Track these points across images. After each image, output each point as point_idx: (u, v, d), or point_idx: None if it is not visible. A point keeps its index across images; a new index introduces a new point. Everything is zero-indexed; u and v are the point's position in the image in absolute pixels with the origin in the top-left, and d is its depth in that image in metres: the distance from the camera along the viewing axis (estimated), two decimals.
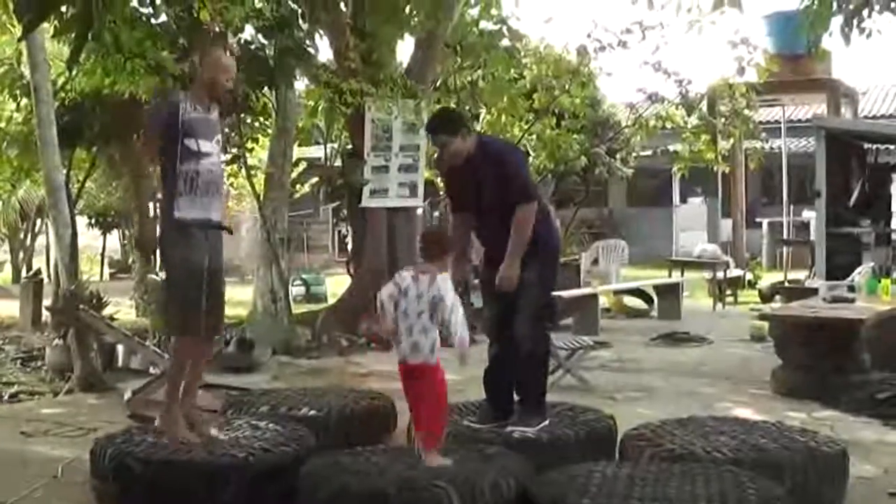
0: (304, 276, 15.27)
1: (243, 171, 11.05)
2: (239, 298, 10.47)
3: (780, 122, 19.66)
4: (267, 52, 9.32)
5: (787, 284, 13.15)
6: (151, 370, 7.35)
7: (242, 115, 10.43)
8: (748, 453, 4.25)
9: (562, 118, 14.40)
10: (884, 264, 11.30)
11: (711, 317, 12.33)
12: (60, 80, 9.78)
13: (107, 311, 9.32)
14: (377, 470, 4.01)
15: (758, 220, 21.15)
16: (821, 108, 19.47)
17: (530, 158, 13.82)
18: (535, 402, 4.95)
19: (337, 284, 14.17)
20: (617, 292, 12.51)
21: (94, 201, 18.67)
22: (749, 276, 15.65)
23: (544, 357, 5.18)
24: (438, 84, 11.77)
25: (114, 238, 22.60)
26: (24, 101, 10.04)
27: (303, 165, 14.89)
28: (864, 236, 12.35)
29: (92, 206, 19.05)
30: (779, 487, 3.83)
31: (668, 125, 14.69)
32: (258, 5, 9.08)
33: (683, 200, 22.47)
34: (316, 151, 14.82)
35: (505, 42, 11.63)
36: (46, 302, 10.38)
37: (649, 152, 19.03)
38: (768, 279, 15.28)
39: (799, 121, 21.77)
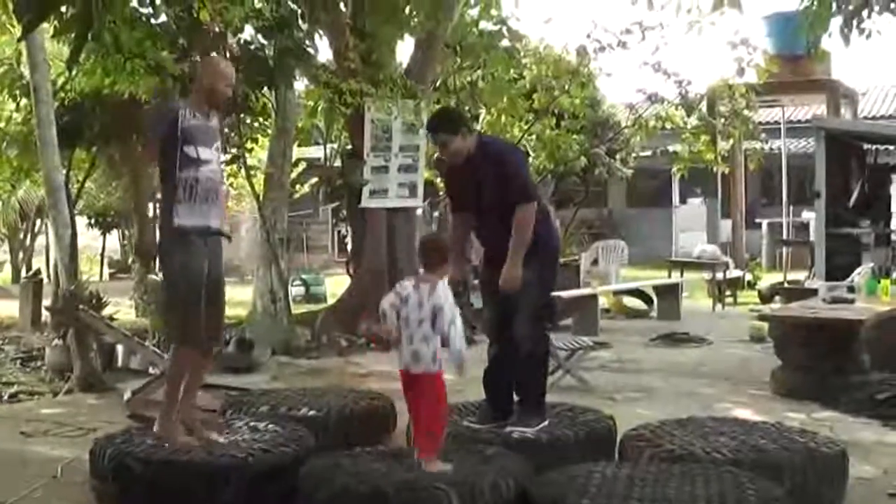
0: (303, 276, 15.26)
1: (243, 171, 11.05)
2: (238, 298, 10.47)
3: (779, 123, 19.65)
4: (266, 52, 9.32)
5: (786, 285, 13.14)
6: (151, 370, 7.35)
7: (242, 116, 10.43)
8: (748, 454, 4.25)
9: (561, 118, 14.41)
10: (883, 265, 11.31)
11: (711, 317, 12.33)
12: (60, 80, 9.78)
13: (106, 312, 9.31)
14: (377, 471, 4.01)
15: (757, 220, 21.15)
16: (820, 108, 19.47)
17: (530, 159, 13.83)
18: (535, 403, 4.95)
19: (336, 285, 14.17)
20: (616, 293, 12.51)
21: (93, 201, 18.66)
22: (748, 276, 15.65)
23: (544, 357, 5.18)
24: (438, 84, 11.78)
25: (113, 238, 22.60)
26: (24, 101, 10.03)
27: (302, 166, 14.88)
28: (863, 237, 12.36)
29: (91, 206, 19.05)
30: (778, 488, 3.83)
31: (668, 126, 14.70)
32: (258, 5, 9.08)
33: (683, 201, 22.46)
34: (315, 152, 14.82)
35: (505, 42, 11.65)
36: (46, 302, 10.38)
37: (649, 153, 19.05)
38: (768, 280, 15.28)
39: (798, 121, 21.78)
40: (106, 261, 22.02)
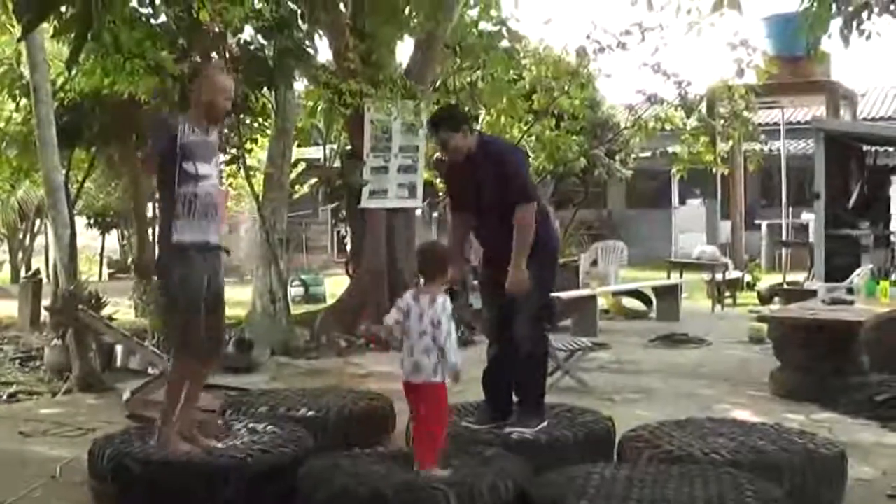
0: (302, 276, 15.25)
1: (242, 171, 11.05)
2: (238, 299, 10.46)
3: (779, 124, 19.64)
4: (266, 52, 9.31)
5: (785, 286, 13.15)
6: (150, 370, 7.34)
7: (241, 116, 10.42)
8: (747, 455, 4.25)
9: (561, 119, 14.41)
10: (882, 266, 11.33)
11: (710, 318, 12.33)
12: (60, 81, 9.78)
13: (105, 312, 9.31)
14: (376, 472, 4.01)
15: (757, 221, 21.14)
16: (820, 110, 19.47)
17: (529, 159, 13.83)
18: (534, 404, 4.95)
19: (336, 285, 14.16)
20: (616, 294, 12.51)
21: (93, 201, 18.66)
22: (748, 277, 15.65)
23: (543, 358, 5.18)
24: (438, 85, 11.78)
25: (112, 238, 22.59)
26: (24, 101, 10.03)
27: (302, 166, 14.85)
28: (862, 238, 12.37)
29: (91, 206, 19.04)
30: (777, 489, 3.83)
31: (668, 127, 14.70)
32: (258, 6, 9.07)
33: (682, 202, 22.47)
34: (315, 152, 14.81)
35: (504, 43, 11.66)
36: (45, 302, 10.37)
37: (648, 154, 19.04)
38: (767, 281, 15.28)
39: (798, 123, 21.78)
40: (105, 261, 22.03)
